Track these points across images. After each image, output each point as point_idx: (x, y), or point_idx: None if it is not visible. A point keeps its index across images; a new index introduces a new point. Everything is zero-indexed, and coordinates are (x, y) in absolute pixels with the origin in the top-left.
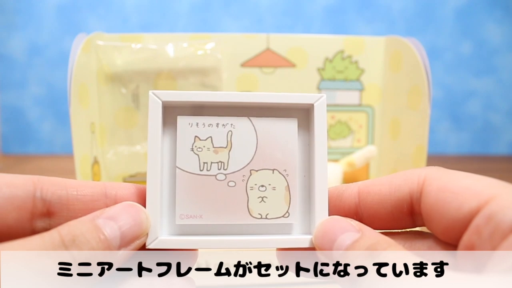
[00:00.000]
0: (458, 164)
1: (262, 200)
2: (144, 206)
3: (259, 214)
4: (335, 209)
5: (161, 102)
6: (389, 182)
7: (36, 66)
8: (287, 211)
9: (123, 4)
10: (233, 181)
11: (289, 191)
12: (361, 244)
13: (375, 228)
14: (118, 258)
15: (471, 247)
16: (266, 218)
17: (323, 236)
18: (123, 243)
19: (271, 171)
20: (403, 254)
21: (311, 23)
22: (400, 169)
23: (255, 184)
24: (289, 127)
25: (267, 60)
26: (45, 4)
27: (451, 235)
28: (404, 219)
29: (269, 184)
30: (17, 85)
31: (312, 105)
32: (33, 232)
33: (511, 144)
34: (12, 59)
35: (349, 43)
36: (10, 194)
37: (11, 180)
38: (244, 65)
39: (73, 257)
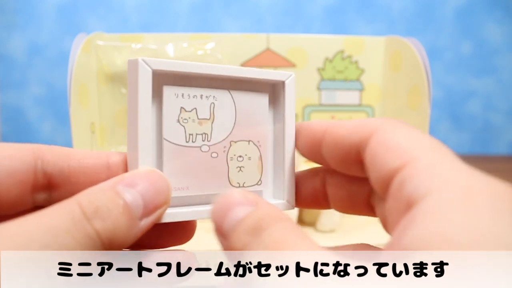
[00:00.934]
0: None
1: (240, 169)
2: None
3: (238, 183)
4: (305, 138)
5: (151, 70)
6: (348, 125)
7: (36, 66)
8: (259, 179)
9: (123, 4)
10: (215, 152)
11: (261, 160)
12: (250, 218)
13: (333, 168)
14: (140, 228)
15: (385, 217)
16: (243, 186)
17: (217, 211)
18: (145, 213)
19: (247, 142)
20: (290, 232)
21: (311, 23)
22: None
23: (234, 155)
24: (262, 101)
25: (267, 60)
26: (45, 4)
27: (381, 190)
28: (354, 165)
29: (246, 155)
30: (17, 85)
31: (283, 82)
32: (35, 205)
33: (511, 144)
34: (12, 59)
35: (349, 43)
36: (11, 167)
37: (11, 152)
38: (244, 65)
39: (96, 231)
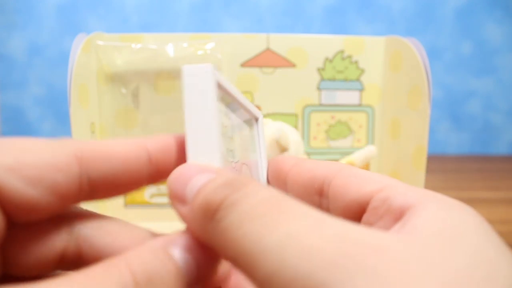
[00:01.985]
0: (458, 164)
1: None
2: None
3: None
4: (273, 169)
5: (216, 82)
6: (315, 161)
7: (36, 66)
8: None
9: (123, 4)
10: (236, 169)
11: None
12: (217, 180)
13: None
14: None
15: (369, 226)
16: None
17: (176, 179)
18: (197, 281)
19: (245, 164)
20: (274, 190)
21: (311, 23)
22: (400, 169)
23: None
24: (248, 129)
25: (267, 60)
26: (45, 4)
27: (351, 214)
28: (313, 196)
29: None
30: (17, 85)
31: (257, 118)
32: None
33: (511, 144)
34: (12, 59)
35: (349, 43)
36: (54, 182)
37: (55, 160)
38: (244, 65)
39: None
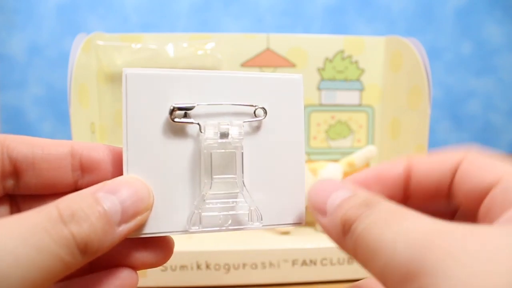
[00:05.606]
0: None
1: None
2: (121, 168)
3: None
4: (378, 179)
5: None
6: (433, 158)
7: (36, 66)
8: None
9: (123, 4)
10: None
11: None
12: (356, 198)
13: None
14: (118, 234)
15: (487, 212)
16: None
17: (317, 193)
18: (124, 219)
19: None
20: (400, 207)
21: (311, 23)
22: None
23: None
24: None
25: (267, 60)
26: (45, 4)
27: (472, 203)
28: (441, 200)
29: None
30: (17, 85)
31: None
32: (5, 192)
33: (511, 144)
34: (12, 59)
35: (349, 43)
36: None
37: None
38: (244, 65)
39: (72, 233)
